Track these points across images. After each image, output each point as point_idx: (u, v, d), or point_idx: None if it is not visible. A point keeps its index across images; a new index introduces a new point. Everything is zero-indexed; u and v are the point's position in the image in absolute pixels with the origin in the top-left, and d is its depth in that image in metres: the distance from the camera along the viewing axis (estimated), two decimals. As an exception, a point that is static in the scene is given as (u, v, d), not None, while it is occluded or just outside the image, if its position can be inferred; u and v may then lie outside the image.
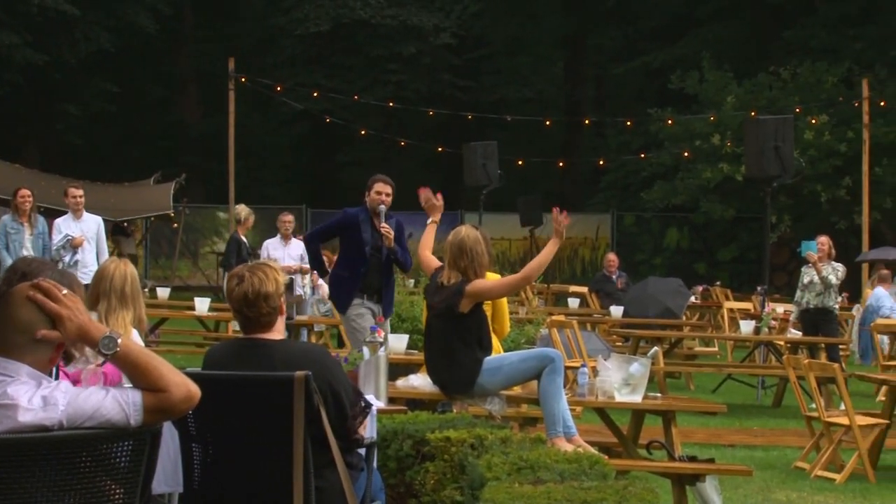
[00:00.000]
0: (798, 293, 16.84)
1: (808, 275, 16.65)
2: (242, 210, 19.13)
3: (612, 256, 23.41)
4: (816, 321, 16.58)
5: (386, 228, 11.38)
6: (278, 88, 32.90)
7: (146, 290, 18.90)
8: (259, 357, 5.63)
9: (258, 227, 33.52)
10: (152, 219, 30.66)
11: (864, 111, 29.43)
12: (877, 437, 11.69)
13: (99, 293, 6.90)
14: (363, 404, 5.83)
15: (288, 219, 19.50)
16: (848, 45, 33.98)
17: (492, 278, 9.40)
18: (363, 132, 35.80)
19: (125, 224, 29.52)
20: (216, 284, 31.97)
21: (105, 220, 18.13)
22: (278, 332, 5.74)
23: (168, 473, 6.04)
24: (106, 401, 3.90)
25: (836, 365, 12.34)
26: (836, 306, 17.24)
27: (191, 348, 19.51)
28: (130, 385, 3.98)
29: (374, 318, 11.17)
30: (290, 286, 17.80)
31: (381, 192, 11.63)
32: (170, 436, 5.64)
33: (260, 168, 41.90)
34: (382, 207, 11.44)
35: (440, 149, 34.71)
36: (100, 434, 3.87)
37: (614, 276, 22.65)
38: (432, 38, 38.74)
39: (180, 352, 18.52)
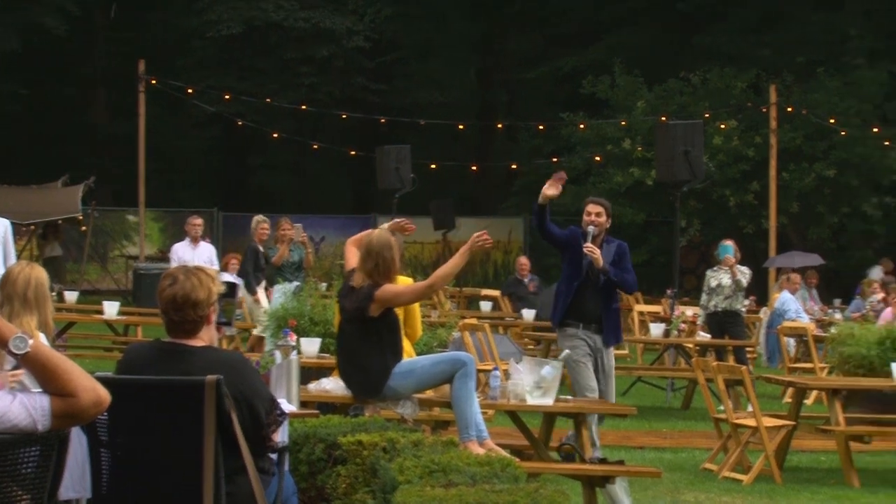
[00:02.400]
0: (704, 297, 17.00)
1: (715, 278, 16.81)
2: (254, 219, 18.69)
3: (523, 260, 23.50)
4: (724, 324, 16.77)
5: (590, 248, 11.08)
6: (189, 91, 32.68)
7: (54, 293, 18.68)
8: (178, 362, 5.59)
9: (168, 231, 33.29)
10: (59, 221, 30.33)
11: (771, 117, 29.79)
12: (783, 439, 11.85)
13: (3, 297, 6.83)
14: (278, 413, 5.80)
15: (197, 222, 19.38)
16: (756, 52, 34.37)
17: (403, 282, 9.41)
18: (275, 135, 35.66)
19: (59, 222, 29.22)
20: (125, 288, 31.71)
21: (13, 224, 17.90)
22: (201, 339, 5.68)
23: (76, 479, 5.97)
24: (13, 406, 3.86)
25: (743, 367, 12.48)
26: (744, 309, 17.44)
27: (99, 353, 19.34)
28: (39, 390, 3.95)
29: (590, 351, 11.09)
30: (232, 291, 17.55)
31: (591, 212, 11.32)
32: (77, 440, 5.59)
33: (171, 171, 41.57)
34: (591, 228, 11.10)
35: (353, 152, 34.69)
36: (6, 440, 3.83)
37: (526, 280, 22.74)
38: (345, 41, 38.66)
39: (89, 356, 18.35)
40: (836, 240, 33.92)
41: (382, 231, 9.12)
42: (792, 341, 20.16)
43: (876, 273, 25.32)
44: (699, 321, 17.28)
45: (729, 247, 16.88)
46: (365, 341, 8.80)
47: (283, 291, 15.27)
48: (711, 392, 12.75)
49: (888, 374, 12.10)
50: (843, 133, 31.77)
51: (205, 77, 37.67)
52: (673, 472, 11.54)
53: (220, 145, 44.02)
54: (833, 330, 14.47)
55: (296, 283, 15.66)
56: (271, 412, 5.71)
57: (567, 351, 12.42)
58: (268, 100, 34.72)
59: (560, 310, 11.18)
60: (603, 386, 10.87)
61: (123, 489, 5.48)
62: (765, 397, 16.61)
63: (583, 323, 11.08)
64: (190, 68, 39.26)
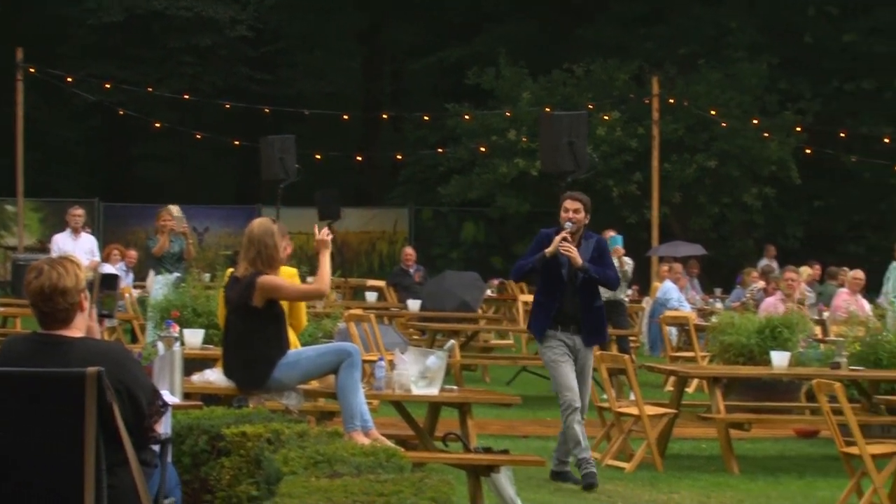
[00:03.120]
0: None
1: None
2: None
3: (409, 250, 23.49)
4: (609, 313, 16.86)
5: (566, 247, 10.43)
6: (69, 80, 32.21)
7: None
8: (55, 354, 5.51)
9: (47, 222, 32.78)
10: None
11: (653, 108, 30.11)
12: (665, 427, 11.98)
13: None
14: (160, 404, 5.75)
15: (78, 212, 19.14)
16: (639, 44, 34.70)
17: (287, 273, 9.36)
18: (158, 125, 35.29)
19: None
20: (3, 279, 31.20)
21: None
22: (78, 329, 5.61)
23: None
24: None
25: (626, 356, 12.62)
26: (627, 299, 17.60)
27: (-22, 345, 18.99)
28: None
29: (568, 351, 10.54)
30: (114, 283, 17.30)
31: (569, 209, 10.64)
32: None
33: (50, 161, 40.92)
34: (569, 225, 10.47)
35: (236, 142, 34.44)
36: None
37: (412, 270, 22.73)
38: (228, 30, 38.33)
39: (-33, 349, 18.01)
40: (717, 230, 34.38)
41: (265, 219, 9.07)
42: (674, 330, 20.41)
43: (763, 262, 25.66)
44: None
45: (619, 238, 17.03)
46: (249, 332, 8.74)
47: (164, 283, 15.12)
48: (594, 381, 12.85)
49: (768, 363, 12.31)
50: (723, 125, 32.20)
51: (85, 65, 37.14)
52: (557, 461, 11.60)
53: (100, 135, 43.43)
54: (714, 319, 14.68)
55: (176, 275, 15.52)
56: (153, 403, 5.66)
57: (452, 342, 12.47)
58: (149, 89, 34.33)
59: (541, 321, 10.62)
60: (579, 385, 10.49)
61: (2, 483, 5.39)
62: (647, 386, 16.79)
63: (560, 325, 10.53)
64: (70, 57, 38.66)
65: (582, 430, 10.43)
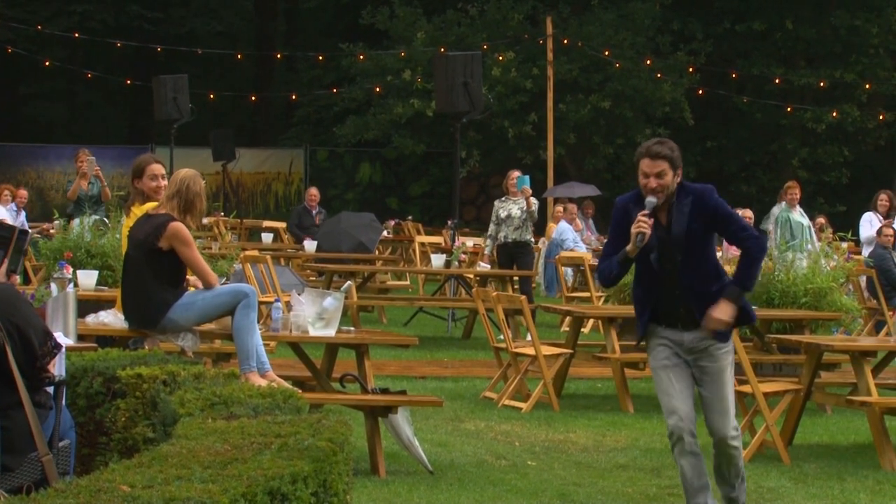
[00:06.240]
0: (492, 227, 17.09)
1: (504, 209, 16.90)
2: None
3: (313, 191, 23.20)
4: (514, 254, 16.91)
5: (640, 223, 7.20)
6: (-44, 16, 31.56)
7: None
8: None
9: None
10: None
11: (548, 49, 30.17)
12: (561, 367, 12.08)
13: None
14: (52, 344, 5.69)
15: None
16: (534, -17, 34.71)
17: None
18: (47, 63, 34.69)
19: None
20: None
21: None
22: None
23: None
24: None
25: (522, 297, 12.68)
26: (533, 239, 17.65)
27: None
28: None
29: (676, 354, 7.38)
30: (23, 240, 17.03)
31: (649, 172, 7.28)
32: None
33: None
34: (651, 200, 7.23)
35: (129, 81, 33.98)
36: None
37: (314, 212, 22.54)
38: (119, -34, 37.76)
39: None
40: (611, 170, 34.61)
41: (193, 170, 8.99)
42: (570, 271, 20.55)
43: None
44: (486, 251, 17.41)
45: (526, 178, 17.03)
46: (147, 271, 8.64)
47: (85, 226, 14.93)
48: (491, 322, 12.92)
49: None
50: (617, 65, 32.36)
51: (-28, 3, 36.39)
52: (454, 401, 11.68)
53: (-12, 74, 42.65)
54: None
55: (95, 217, 15.29)
56: (45, 343, 5.61)
57: (349, 283, 12.42)
58: (38, 27, 33.71)
59: (640, 318, 7.51)
60: (707, 392, 7.38)
61: None
62: (543, 326, 16.93)
63: (665, 321, 7.43)
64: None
65: (697, 464, 7.34)
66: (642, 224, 7.15)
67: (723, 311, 7.23)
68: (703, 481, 7.35)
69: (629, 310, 12.88)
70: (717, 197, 7.40)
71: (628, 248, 7.21)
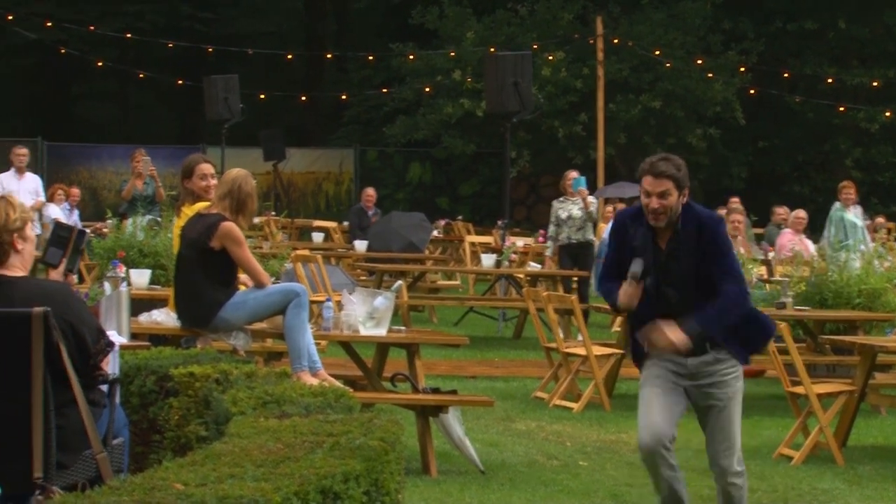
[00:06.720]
0: (552, 228, 17.01)
1: (564, 210, 16.84)
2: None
3: (370, 191, 23.15)
4: (577, 255, 16.86)
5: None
6: (10, 17, 31.77)
7: None
8: (-4, 293, 5.46)
9: (-10, 161, 32.30)
10: None
11: (598, 48, 30.07)
12: (612, 367, 12.03)
13: None
14: (105, 342, 5.72)
15: (22, 152, 18.95)
16: (583, -18, 34.61)
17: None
18: (99, 63, 34.90)
19: None
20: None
21: None
22: (19, 269, 5.56)
23: None
24: None
25: (573, 297, 12.64)
26: (595, 240, 17.60)
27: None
28: None
29: (670, 374, 6.60)
30: (81, 240, 17.17)
31: (651, 192, 6.52)
32: None
33: (-12, 99, 40.50)
34: (637, 270, 6.49)
35: (180, 81, 34.12)
36: None
37: (370, 212, 22.51)
38: (170, -33, 37.95)
39: None
40: (661, 170, 34.38)
41: (245, 170, 9.02)
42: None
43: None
44: (548, 252, 17.33)
45: (583, 179, 17.01)
46: (199, 271, 8.67)
47: (139, 225, 15.00)
48: (542, 322, 12.88)
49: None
50: (667, 65, 32.21)
51: (25, 3, 36.65)
52: (505, 401, 11.65)
53: (41, 73, 42.93)
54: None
55: (148, 217, 15.38)
56: (98, 341, 5.64)
57: (399, 282, 12.42)
58: (91, 27, 33.92)
59: (635, 339, 6.76)
60: (712, 422, 6.68)
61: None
62: (595, 326, 16.87)
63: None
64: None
65: (679, 478, 6.71)
66: (628, 298, 6.49)
67: (673, 333, 6.47)
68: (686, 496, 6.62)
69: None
70: (724, 230, 6.70)
71: (620, 303, 6.56)
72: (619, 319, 15.65)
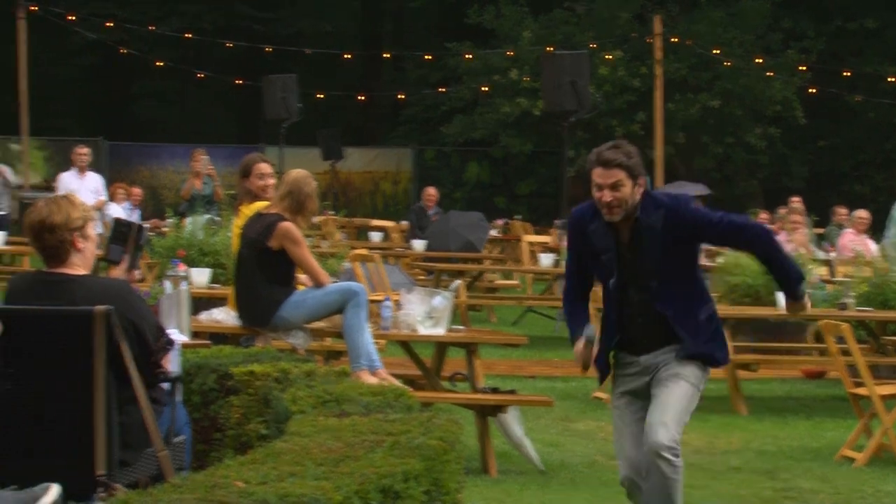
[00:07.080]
0: None
1: None
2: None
3: (431, 191, 23.13)
4: None
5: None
6: (71, 18, 32.03)
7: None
8: (59, 291, 5.50)
9: (52, 161, 32.61)
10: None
11: (656, 47, 29.92)
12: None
13: None
14: (166, 340, 5.75)
15: (84, 151, 19.12)
16: (642, -18, 34.49)
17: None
18: (159, 64, 35.11)
19: None
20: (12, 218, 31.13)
21: None
22: (81, 267, 5.59)
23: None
24: None
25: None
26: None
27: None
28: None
29: (634, 387, 6.27)
30: (138, 232, 17.32)
31: (603, 185, 6.09)
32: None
33: (51, 99, 40.77)
34: (591, 333, 6.24)
35: (239, 81, 34.27)
36: None
37: (431, 212, 22.49)
38: (229, -32, 38.14)
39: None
40: (721, 170, 34.28)
41: (305, 170, 9.06)
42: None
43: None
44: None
45: (647, 179, 16.92)
46: (258, 270, 8.71)
47: (198, 224, 15.07)
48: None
49: (774, 303, 12.24)
50: (726, 64, 32.03)
51: (85, 4, 36.94)
52: (564, 401, 11.61)
53: (102, 73, 43.27)
54: (720, 260, 14.61)
55: (207, 216, 15.46)
56: (159, 339, 5.67)
57: (458, 282, 12.40)
58: (151, 27, 34.13)
59: (601, 351, 6.36)
60: (655, 393, 6.16)
61: (12, 421, 5.37)
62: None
63: (633, 350, 6.32)
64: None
65: None
66: (582, 359, 6.19)
67: (803, 304, 6.26)
68: None
69: (741, 310, 12.73)
70: (693, 206, 6.21)
71: (578, 364, 6.26)
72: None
